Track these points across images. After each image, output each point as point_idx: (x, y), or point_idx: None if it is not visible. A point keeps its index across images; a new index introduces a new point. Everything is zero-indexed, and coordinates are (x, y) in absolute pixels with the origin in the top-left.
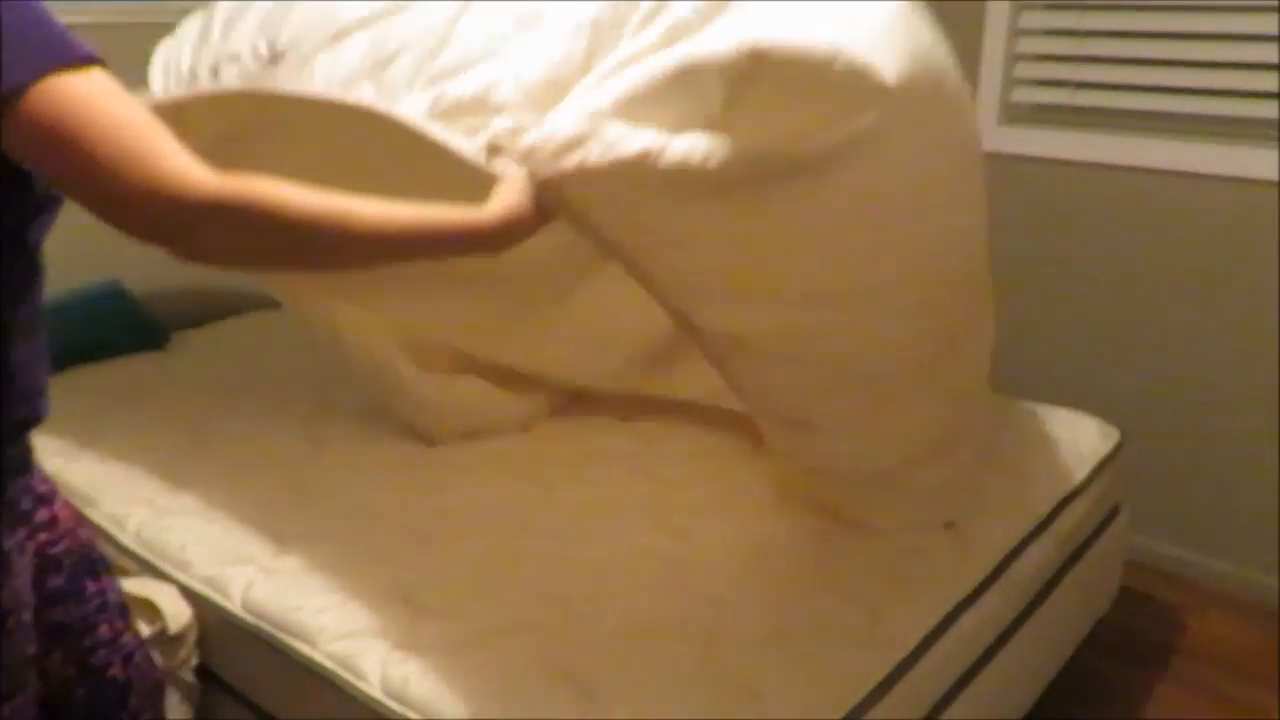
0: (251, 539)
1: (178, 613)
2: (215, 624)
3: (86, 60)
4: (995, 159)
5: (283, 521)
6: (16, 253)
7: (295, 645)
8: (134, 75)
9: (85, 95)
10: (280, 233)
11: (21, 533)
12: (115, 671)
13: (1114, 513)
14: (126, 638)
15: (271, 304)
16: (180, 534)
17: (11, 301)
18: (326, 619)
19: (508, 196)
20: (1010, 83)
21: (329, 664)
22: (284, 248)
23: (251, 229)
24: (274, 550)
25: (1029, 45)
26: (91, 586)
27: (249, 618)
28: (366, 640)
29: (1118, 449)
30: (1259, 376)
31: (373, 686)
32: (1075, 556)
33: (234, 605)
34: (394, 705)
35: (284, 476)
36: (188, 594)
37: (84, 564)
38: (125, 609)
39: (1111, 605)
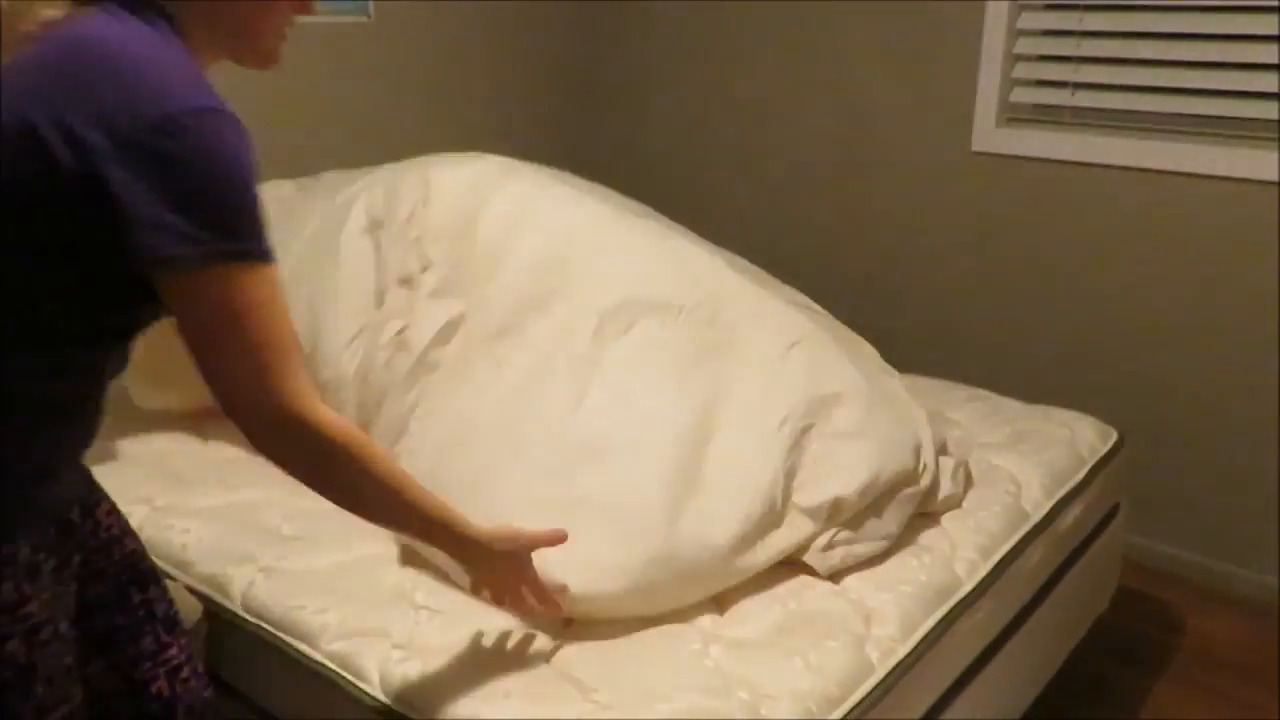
0: (251, 539)
1: (190, 608)
2: (215, 624)
3: (267, 257)
4: (995, 159)
5: (283, 521)
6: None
7: (295, 645)
8: None
9: (252, 297)
10: (348, 478)
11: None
12: (160, 687)
13: (1113, 512)
14: (173, 652)
15: None
16: (180, 534)
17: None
18: (326, 619)
19: (505, 541)
20: (1009, 83)
21: (329, 664)
22: (340, 488)
23: (330, 466)
24: (274, 550)
25: (1028, 45)
26: (137, 596)
27: (249, 618)
28: (366, 640)
29: (1116, 449)
30: (1259, 377)
31: (373, 686)
32: (1074, 556)
33: (234, 605)
34: (394, 705)
35: (284, 476)
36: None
37: (131, 573)
38: (175, 623)
39: (1110, 605)
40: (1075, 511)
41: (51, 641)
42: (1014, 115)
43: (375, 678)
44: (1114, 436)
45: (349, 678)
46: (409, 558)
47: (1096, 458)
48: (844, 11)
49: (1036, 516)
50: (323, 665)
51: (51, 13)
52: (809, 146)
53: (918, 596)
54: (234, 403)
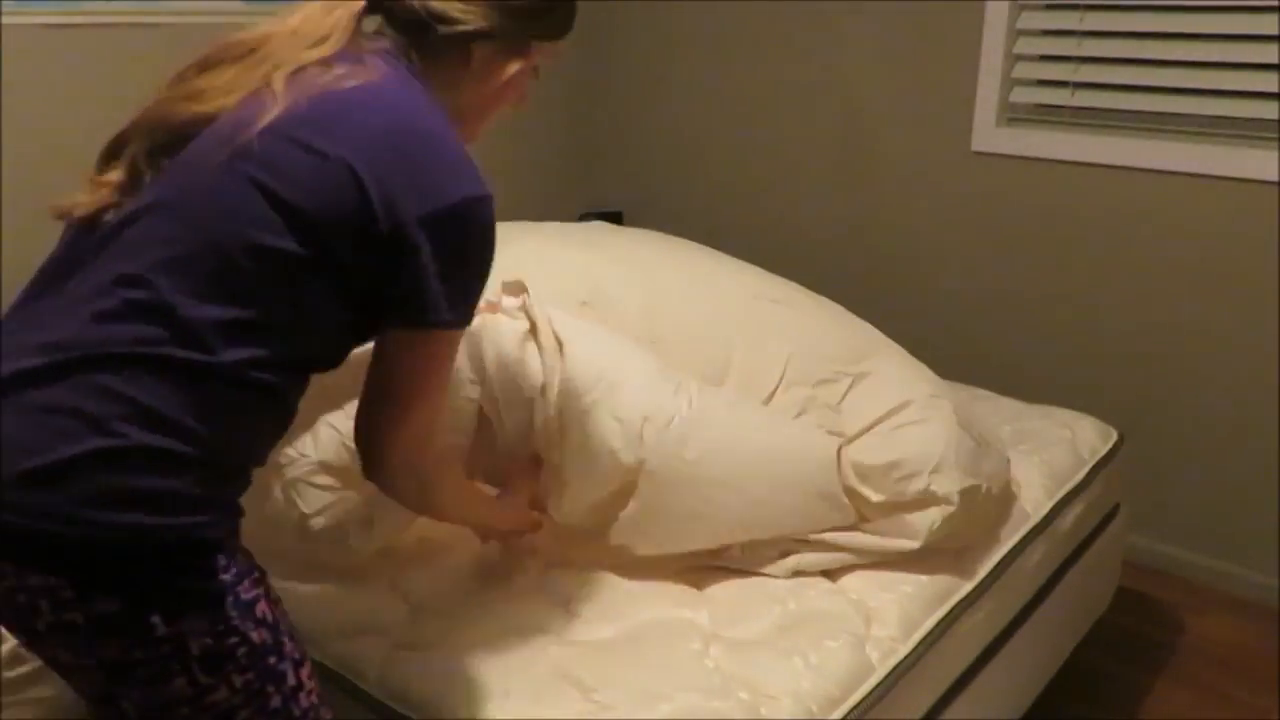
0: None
1: None
2: None
3: (469, 323)
4: (995, 159)
5: None
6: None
7: None
8: (133, 75)
9: (444, 356)
10: (441, 503)
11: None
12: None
13: (1113, 512)
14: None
15: None
16: None
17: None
18: (326, 619)
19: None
20: (1010, 83)
21: (329, 664)
22: (432, 510)
23: (436, 498)
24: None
25: (1028, 45)
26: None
27: None
28: (366, 640)
29: (1116, 449)
30: (1259, 376)
31: (373, 686)
32: (1074, 556)
33: None
34: (394, 705)
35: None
36: None
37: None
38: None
39: (1110, 605)
40: (1075, 511)
41: (280, 600)
42: (1014, 115)
43: (375, 678)
44: (1114, 436)
45: (349, 678)
46: (410, 557)
47: (1097, 458)
48: (844, 11)
49: (1037, 516)
50: (322, 665)
51: (324, 54)
52: (809, 146)
53: (918, 596)
54: (402, 445)
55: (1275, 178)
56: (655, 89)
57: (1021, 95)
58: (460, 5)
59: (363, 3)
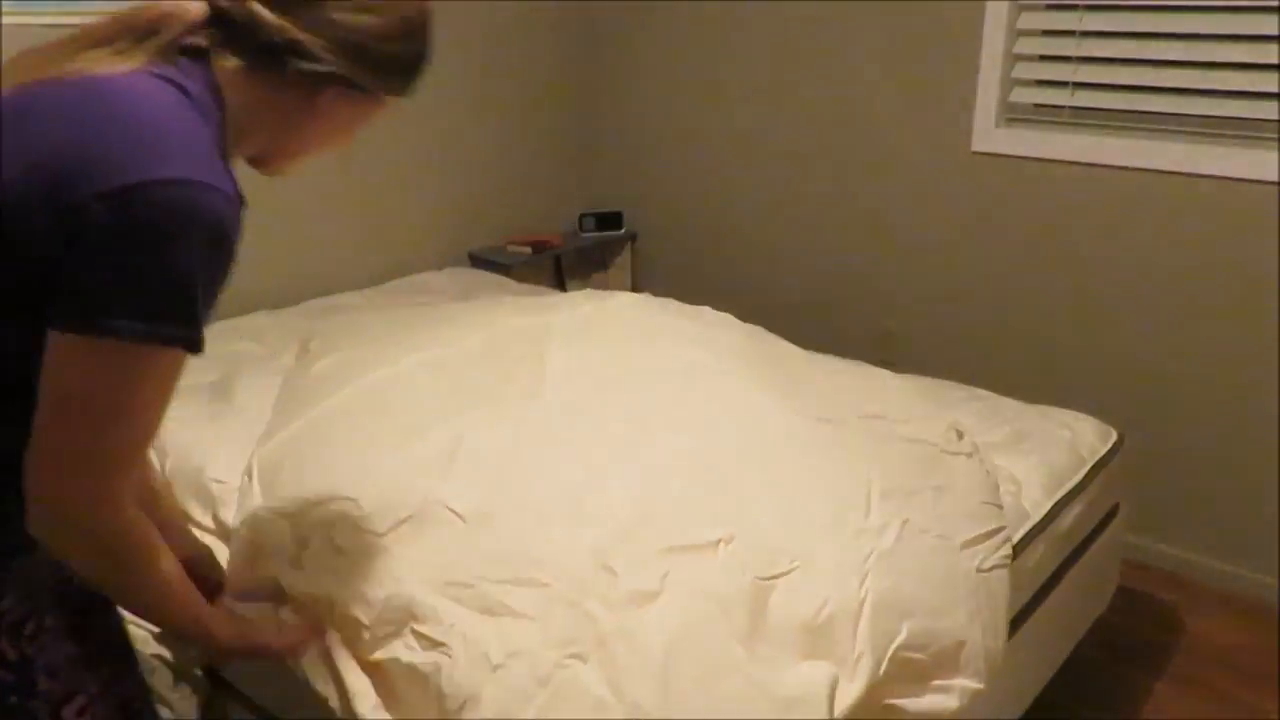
0: None
1: None
2: None
3: (188, 345)
4: (994, 159)
5: None
6: None
7: None
8: None
9: (131, 378)
10: (115, 575)
11: None
12: None
13: (1113, 512)
14: None
15: (264, 306)
16: None
17: None
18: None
19: (253, 636)
20: (1009, 83)
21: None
22: (105, 583)
23: (99, 561)
24: None
25: (1028, 45)
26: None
27: None
28: None
29: (1116, 448)
30: (1259, 376)
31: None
32: (1074, 556)
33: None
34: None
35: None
36: None
37: None
38: None
39: (1110, 605)
40: (1075, 511)
41: (39, 635)
42: (1014, 115)
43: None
44: (1114, 436)
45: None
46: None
47: (1096, 457)
48: (844, 11)
49: (1036, 516)
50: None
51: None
52: (809, 147)
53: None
54: (60, 487)
55: (1275, 178)
56: (655, 89)
57: (1021, 95)
58: (324, 43)
59: (202, 11)
